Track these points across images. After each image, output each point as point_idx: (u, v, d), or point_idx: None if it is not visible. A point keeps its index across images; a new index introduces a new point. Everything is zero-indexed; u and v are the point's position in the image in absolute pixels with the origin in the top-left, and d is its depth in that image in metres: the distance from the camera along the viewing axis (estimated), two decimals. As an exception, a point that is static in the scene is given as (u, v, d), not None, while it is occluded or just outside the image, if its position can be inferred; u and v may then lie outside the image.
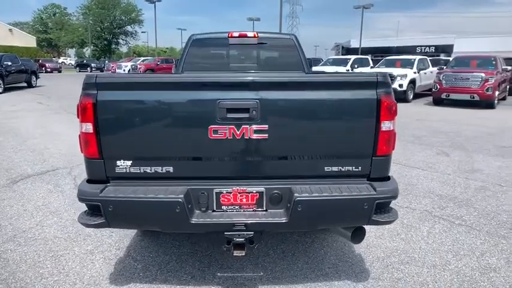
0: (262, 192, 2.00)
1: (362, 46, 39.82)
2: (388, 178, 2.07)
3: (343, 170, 2.00)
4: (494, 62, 12.03)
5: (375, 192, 1.93)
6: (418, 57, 14.86)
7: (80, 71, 39.06)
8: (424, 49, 43.76)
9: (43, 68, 32.38)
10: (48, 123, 8.44)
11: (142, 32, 70.37)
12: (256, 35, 4.35)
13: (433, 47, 43.76)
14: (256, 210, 2.03)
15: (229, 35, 4.35)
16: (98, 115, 1.89)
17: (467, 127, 8.24)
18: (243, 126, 1.89)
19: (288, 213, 1.93)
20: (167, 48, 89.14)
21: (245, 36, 4.37)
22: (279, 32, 5.32)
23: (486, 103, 11.45)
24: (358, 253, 2.80)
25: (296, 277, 2.48)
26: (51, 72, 34.32)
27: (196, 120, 1.91)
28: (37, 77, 19.05)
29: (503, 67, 12.28)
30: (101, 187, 1.95)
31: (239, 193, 2.00)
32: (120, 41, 64.29)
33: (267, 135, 1.90)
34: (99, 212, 1.96)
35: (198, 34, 4.43)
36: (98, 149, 1.94)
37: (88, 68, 38.51)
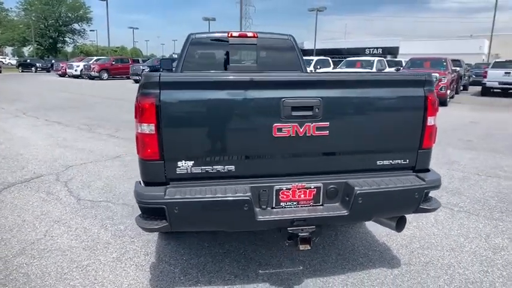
0: (320, 187, 2.07)
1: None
2: (428, 170, 2.24)
3: (393, 163, 2.14)
4: (445, 63, 13.17)
5: (424, 183, 2.09)
6: (376, 58, 15.84)
7: (23, 71, 36.03)
8: (372, 51, 46.51)
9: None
10: (11, 128, 7.74)
11: (91, 31, 66.26)
12: (256, 35, 4.41)
13: (380, 49, 46.64)
14: (313, 205, 2.09)
15: (229, 35, 4.35)
16: (162, 115, 1.84)
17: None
18: (306, 124, 1.94)
19: (347, 206, 2.02)
20: (117, 47, 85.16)
21: (245, 36, 4.40)
22: (273, 32, 5.42)
23: (440, 101, 12.34)
24: (382, 242, 2.97)
25: (334, 268, 2.59)
26: (-12, 72, 31.26)
27: (261, 119, 1.93)
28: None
29: (452, 68, 13.49)
30: (163, 189, 1.89)
31: (298, 189, 2.05)
32: (67, 39, 60.22)
33: (327, 132, 1.98)
34: (160, 215, 1.90)
35: (197, 33, 4.39)
36: (158, 150, 1.88)
37: (32, 68, 35.65)
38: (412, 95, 2.07)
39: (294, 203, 2.07)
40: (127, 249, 2.82)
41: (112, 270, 2.53)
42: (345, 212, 2.02)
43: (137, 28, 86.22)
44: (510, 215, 3.54)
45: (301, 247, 2.01)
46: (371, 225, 3.18)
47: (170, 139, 1.88)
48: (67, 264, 2.61)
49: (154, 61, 25.88)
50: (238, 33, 4.38)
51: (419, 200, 2.10)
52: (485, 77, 15.92)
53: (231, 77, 2.02)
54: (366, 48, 46.76)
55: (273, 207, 2.05)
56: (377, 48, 47.25)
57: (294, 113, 1.92)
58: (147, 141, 1.88)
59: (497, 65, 16.53)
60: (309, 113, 1.93)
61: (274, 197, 2.04)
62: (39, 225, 3.22)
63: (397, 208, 2.15)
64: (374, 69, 14.75)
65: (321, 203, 2.10)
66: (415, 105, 2.08)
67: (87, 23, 59.10)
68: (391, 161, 2.14)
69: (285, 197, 2.05)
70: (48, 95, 15.25)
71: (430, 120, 2.11)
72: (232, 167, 1.97)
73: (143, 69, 22.91)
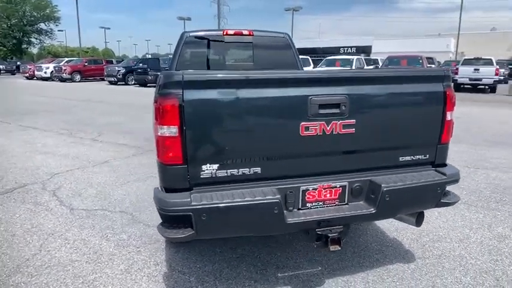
0: (345, 186, 2.04)
1: (291, 47, 41.51)
2: (446, 164, 2.26)
3: (414, 158, 2.14)
4: (421, 61, 13.65)
5: (446, 177, 2.10)
6: (355, 57, 16.16)
7: (-15, 74, 34.04)
8: (347, 49, 47.46)
9: None
10: (-18, 135, 7.25)
11: (59, 31, 63.15)
12: (251, 33, 4.34)
13: (354, 48, 47.68)
14: (339, 205, 2.05)
15: (225, 33, 4.26)
16: (185, 116, 1.73)
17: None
18: (332, 121, 1.90)
19: (374, 203, 2.00)
20: (89, 48, 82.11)
21: (240, 34, 4.32)
22: (269, 30, 5.37)
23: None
24: (393, 237, 2.99)
25: (352, 267, 2.56)
26: None
27: (288, 118, 1.86)
28: None
29: (427, 65, 13.98)
30: (188, 195, 1.78)
31: (324, 189, 2.01)
32: (33, 40, 57.20)
33: (353, 129, 1.94)
34: (184, 223, 1.80)
35: (191, 32, 4.26)
36: (182, 153, 1.77)
37: (-5, 70, 33.71)
38: (432, 90, 2.08)
39: (320, 203, 2.03)
40: (134, 260, 2.67)
41: (122, 284, 2.39)
42: (372, 210, 1.99)
43: (109, 28, 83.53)
44: (505, 204, 3.66)
45: (332, 248, 1.96)
46: (379, 222, 3.19)
47: (194, 141, 1.77)
48: (71, 280, 2.43)
49: (129, 62, 25.15)
50: (233, 31, 4.29)
51: (441, 195, 2.11)
52: (456, 73, 16.61)
53: (258, 74, 1.93)
54: (341, 47, 47.61)
55: (299, 209, 1.99)
56: (351, 47, 48.24)
57: (322, 111, 1.87)
58: (169, 145, 1.77)
59: (466, 62, 17.30)
60: (336, 110, 1.89)
61: (300, 198, 1.98)
62: (31, 240, 3.00)
63: (421, 203, 2.15)
64: (353, 67, 15.02)
65: (346, 202, 2.07)
66: (435, 100, 2.08)
67: (55, 22, 56.41)
68: (412, 157, 2.13)
69: (311, 197, 2.00)
70: (18, 99, 14.46)
71: (449, 115, 2.13)
72: (258, 169, 1.89)
73: (119, 70, 22.25)
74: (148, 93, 17.74)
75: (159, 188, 1.91)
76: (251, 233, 2.00)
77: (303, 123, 1.86)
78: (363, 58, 17.39)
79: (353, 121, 1.93)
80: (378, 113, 2.02)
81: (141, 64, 23.00)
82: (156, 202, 1.82)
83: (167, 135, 1.76)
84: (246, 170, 1.88)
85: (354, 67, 15.27)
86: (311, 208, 2.01)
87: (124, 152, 5.93)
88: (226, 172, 1.85)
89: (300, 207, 1.99)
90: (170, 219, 1.84)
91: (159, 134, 1.78)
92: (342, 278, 2.43)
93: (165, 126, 1.75)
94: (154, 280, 2.43)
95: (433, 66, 14.55)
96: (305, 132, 1.87)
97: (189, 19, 53.36)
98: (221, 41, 4.28)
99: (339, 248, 2.00)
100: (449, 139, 2.21)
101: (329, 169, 2.02)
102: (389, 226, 3.14)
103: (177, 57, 4.16)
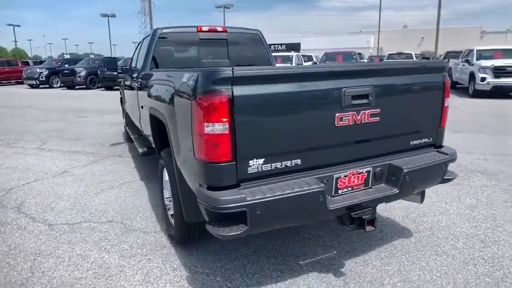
0: (370, 171, 2.19)
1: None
2: (443, 146, 2.56)
3: (422, 142, 2.39)
4: (354, 56, 14.78)
5: (448, 156, 2.39)
6: (294, 53, 16.77)
7: None
8: (277, 47, 49.04)
9: None
10: None
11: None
12: (225, 30, 4.33)
13: (284, 45, 49.52)
14: (364, 189, 2.20)
15: (199, 29, 4.18)
16: (235, 112, 1.71)
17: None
18: (362, 111, 2.03)
19: (397, 184, 2.19)
20: (-8, 48, 72.13)
21: (215, 30, 4.29)
22: (241, 27, 5.29)
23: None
24: (386, 216, 3.27)
25: (363, 247, 2.75)
26: None
27: (326, 109, 1.95)
28: None
29: (360, 60, 15.18)
30: (239, 192, 1.77)
31: (353, 175, 2.14)
32: None
33: (378, 118, 2.10)
34: (235, 219, 1.78)
35: (164, 28, 4.10)
36: (231, 150, 1.75)
37: None
38: (436, 80, 2.34)
39: (349, 189, 2.15)
40: (149, 269, 2.53)
41: (146, 294, 2.26)
42: (395, 190, 2.18)
43: (19, 26, 74.38)
44: (463, 179, 4.21)
45: (367, 229, 2.11)
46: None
47: (243, 137, 1.76)
48: (86, 298, 2.23)
49: (52, 63, 22.80)
50: (208, 27, 4.22)
51: (445, 172, 2.40)
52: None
53: (300, 69, 1.98)
54: (272, 44, 48.99)
55: (332, 196, 2.10)
56: (281, 44, 49.91)
57: (354, 102, 1.99)
58: (218, 142, 1.73)
59: (390, 57, 19.16)
60: (365, 101, 2.03)
61: (333, 185, 2.09)
62: (16, 263, 2.64)
63: (431, 181, 2.41)
64: (294, 64, 15.64)
65: (370, 186, 2.23)
66: (438, 88, 2.35)
67: None
68: (420, 141, 2.38)
69: (342, 184, 2.12)
70: None
71: (447, 102, 2.41)
72: (298, 161, 1.95)
73: (41, 72, 20.06)
74: (80, 96, 16.36)
75: (200, 187, 1.85)
76: (297, 222, 2.06)
77: (338, 114, 1.96)
78: (300, 55, 18.19)
79: (378, 110, 2.09)
80: (397, 102, 2.21)
81: (67, 65, 21.07)
82: (206, 201, 1.76)
83: (216, 132, 1.72)
84: (288, 163, 1.92)
85: (294, 63, 15.91)
86: (342, 194, 2.13)
87: (81, 159, 5.45)
88: (271, 166, 1.87)
89: (333, 194, 2.10)
90: (221, 217, 1.80)
91: (205, 131, 1.73)
92: (359, 258, 2.60)
93: (213, 124, 1.70)
94: (179, 285, 2.34)
95: (365, 60, 15.86)
96: (339, 123, 1.98)
97: (113, 16, 50.19)
98: (195, 38, 4.19)
99: (373, 228, 2.15)
100: (445, 123, 2.51)
101: (356, 156, 2.16)
102: (379, 207, 3.41)
103: (151, 54, 3.97)
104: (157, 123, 2.86)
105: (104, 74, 5.23)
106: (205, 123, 1.72)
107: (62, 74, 19.74)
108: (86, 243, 2.90)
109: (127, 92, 5.43)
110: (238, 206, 1.72)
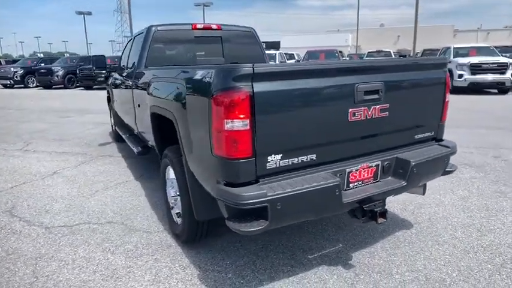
0: (379, 164, 2.25)
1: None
2: (443, 139, 2.66)
3: (425, 135, 2.47)
4: (336, 54, 15.01)
5: (450, 149, 2.49)
6: (277, 52, 16.86)
7: None
8: (258, 45, 49.20)
9: None
10: None
11: None
12: (220, 27, 4.32)
13: (264, 43, 49.63)
14: (374, 182, 2.26)
15: (193, 27, 4.16)
16: (256, 108, 1.72)
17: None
18: (372, 106, 2.09)
19: (404, 177, 2.26)
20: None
21: (209, 28, 4.27)
22: (235, 24, 5.23)
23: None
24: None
25: (367, 239, 2.82)
26: None
27: (340, 105, 1.99)
28: None
29: (342, 58, 15.43)
30: (260, 187, 1.78)
31: (363, 169, 2.19)
32: None
33: (387, 113, 2.16)
34: (256, 215, 1.79)
35: (159, 26, 4.04)
36: (252, 146, 1.76)
37: None
38: (438, 75, 2.43)
39: (360, 183, 2.21)
40: (158, 269, 2.50)
41: (159, 294, 2.24)
42: (403, 183, 2.25)
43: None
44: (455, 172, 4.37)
45: (380, 221, 2.16)
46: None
47: (263, 133, 1.77)
48: (97, 300, 2.18)
49: (27, 62, 21.91)
50: (202, 25, 4.19)
51: (447, 164, 2.49)
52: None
53: (318, 65, 2.01)
54: (252, 42, 49.04)
55: (345, 189, 2.14)
56: (262, 42, 50.10)
57: (366, 97, 2.04)
58: (239, 138, 1.73)
59: (370, 55, 19.57)
60: (376, 96, 2.08)
61: (346, 179, 2.13)
62: (17, 268, 2.55)
63: (435, 173, 2.50)
64: (277, 62, 15.71)
65: (378, 179, 2.29)
66: (441, 83, 2.44)
67: None
68: (423, 134, 2.46)
69: (353, 178, 2.16)
70: None
71: (447, 97, 2.51)
72: (313, 156, 1.98)
73: (15, 72, 19.28)
74: (59, 96, 15.84)
75: (218, 184, 1.85)
76: (313, 216, 2.09)
77: (351, 109, 2.01)
78: (283, 53, 18.29)
79: (387, 105, 2.15)
80: (403, 97, 2.28)
81: (43, 64, 20.33)
82: (227, 197, 1.76)
83: (237, 128, 1.72)
84: (304, 158, 1.95)
85: (277, 61, 15.99)
86: (353, 188, 2.18)
87: (70, 160, 5.30)
88: (288, 161, 1.90)
89: (345, 188, 2.14)
90: (241, 214, 1.80)
91: (225, 128, 1.73)
92: (365, 250, 2.67)
93: (234, 120, 1.71)
94: (191, 284, 2.33)
95: (346, 58, 16.14)
96: (352, 118, 2.02)
97: (89, 13, 48.79)
98: (191, 35, 4.15)
99: (385, 220, 2.21)
100: (446, 118, 2.60)
101: (366, 150, 2.22)
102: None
103: (146, 52, 3.91)
104: (160, 122, 2.82)
105: (93, 72, 5.03)
106: (225, 120, 1.72)
107: (39, 74, 19.04)
108: (89, 245, 2.84)
109: (116, 91, 5.31)
110: (260, 202, 1.73)
